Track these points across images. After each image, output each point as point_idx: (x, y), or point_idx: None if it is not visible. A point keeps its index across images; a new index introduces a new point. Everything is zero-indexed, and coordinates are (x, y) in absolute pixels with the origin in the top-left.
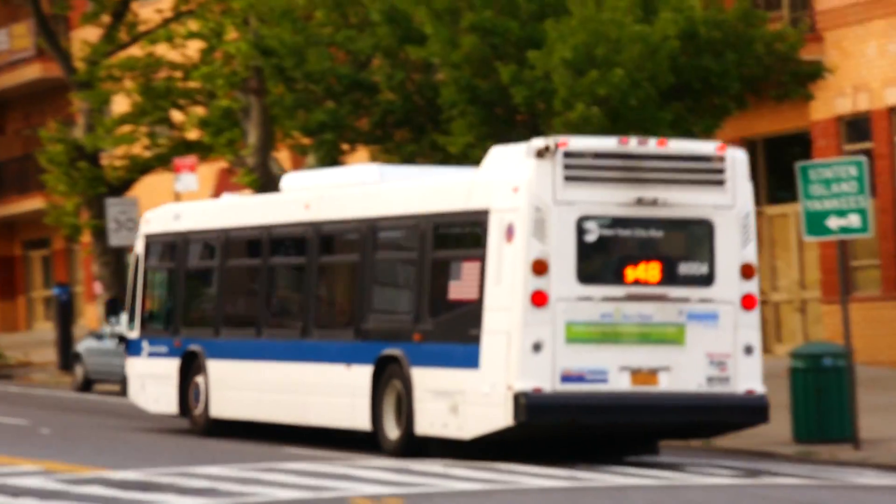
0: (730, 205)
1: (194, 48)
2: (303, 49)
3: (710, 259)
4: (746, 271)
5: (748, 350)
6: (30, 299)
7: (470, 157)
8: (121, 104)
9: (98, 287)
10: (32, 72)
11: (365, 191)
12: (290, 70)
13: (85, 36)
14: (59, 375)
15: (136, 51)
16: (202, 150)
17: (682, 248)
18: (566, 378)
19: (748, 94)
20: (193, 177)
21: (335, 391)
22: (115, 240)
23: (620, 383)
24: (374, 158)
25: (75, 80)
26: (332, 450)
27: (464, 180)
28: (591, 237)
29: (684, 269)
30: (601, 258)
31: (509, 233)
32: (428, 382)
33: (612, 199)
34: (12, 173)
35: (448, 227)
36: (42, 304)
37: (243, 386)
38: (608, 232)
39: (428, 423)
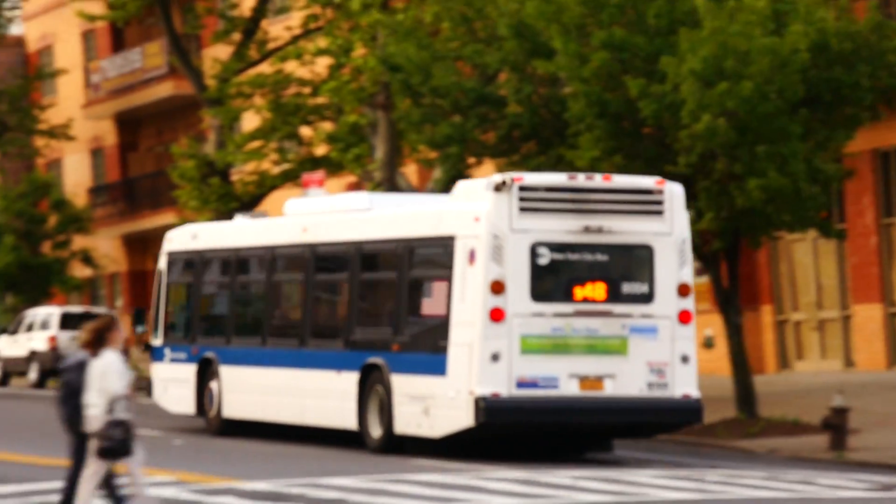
0: (668, 232)
1: (323, 64)
2: (429, 65)
3: (651, 279)
4: (683, 290)
5: (684, 359)
6: None
7: (597, 170)
8: (251, 121)
9: None
10: (165, 89)
11: (354, 217)
12: (417, 85)
13: (216, 54)
14: None
15: (265, 68)
16: (330, 166)
17: (625, 269)
18: (521, 384)
19: (880, 105)
20: (321, 192)
21: (328, 395)
22: None
23: (570, 389)
24: (500, 171)
25: (206, 98)
26: (459, 461)
27: (435, 209)
28: (543, 261)
29: (627, 288)
30: (552, 279)
31: (472, 257)
32: (405, 388)
33: (561, 228)
34: (145, 189)
35: (422, 251)
36: None
37: (251, 390)
38: (559, 256)
39: (405, 423)
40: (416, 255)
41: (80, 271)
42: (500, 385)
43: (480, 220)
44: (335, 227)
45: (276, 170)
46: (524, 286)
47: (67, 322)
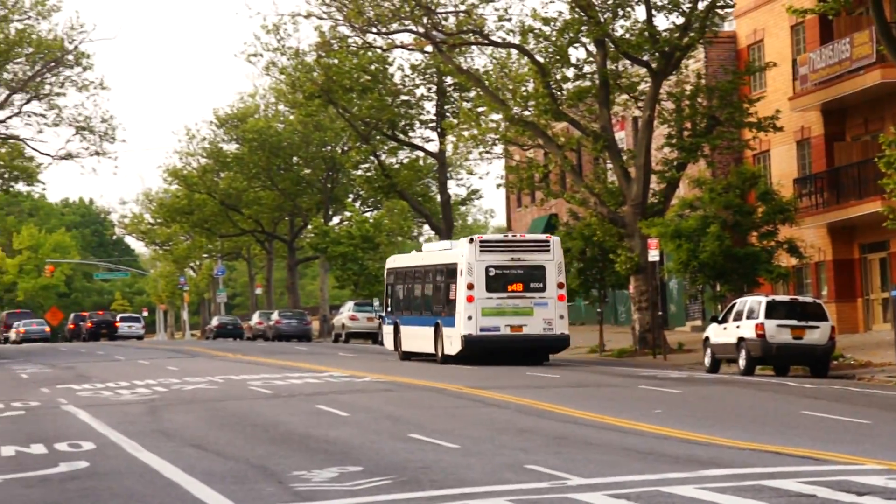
0: (552, 259)
1: None
2: None
3: (544, 281)
4: (560, 285)
5: (561, 317)
6: (868, 301)
7: None
8: None
9: None
10: (872, 78)
11: (436, 252)
12: None
13: None
14: None
15: None
16: None
17: (532, 277)
18: (482, 329)
19: None
20: None
21: (427, 337)
22: None
23: (506, 331)
24: None
25: None
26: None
27: (453, 251)
28: (492, 274)
29: (533, 285)
30: (496, 282)
31: (461, 273)
32: (446, 333)
33: (500, 259)
34: (851, 178)
35: (450, 269)
36: (880, 306)
37: (409, 337)
38: (499, 272)
39: (447, 349)
40: (448, 272)
41: (786, 260)
42: (472, 330)
43: (464, 256)
44: (429, 257)
45: None
46: (482, 285)
47: (773, 310)
